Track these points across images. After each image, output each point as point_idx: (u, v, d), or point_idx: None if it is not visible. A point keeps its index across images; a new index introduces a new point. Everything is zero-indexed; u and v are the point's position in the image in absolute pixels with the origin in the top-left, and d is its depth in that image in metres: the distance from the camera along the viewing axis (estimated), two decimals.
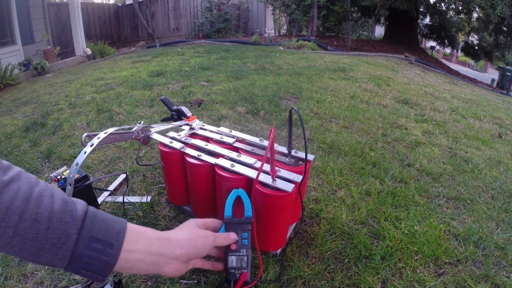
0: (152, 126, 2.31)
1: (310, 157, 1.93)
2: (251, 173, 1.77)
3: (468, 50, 19.37)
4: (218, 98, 4.96)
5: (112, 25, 15.96)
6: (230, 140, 2.18)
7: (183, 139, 2.19)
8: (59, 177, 2.28)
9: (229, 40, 13.62)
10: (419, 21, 18.05)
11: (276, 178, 1.72)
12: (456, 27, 17.45)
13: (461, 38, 19.57)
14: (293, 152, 2.02)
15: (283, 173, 1.82)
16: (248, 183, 1.81)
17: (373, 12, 16.62)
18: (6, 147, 4.03)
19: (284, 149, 2.05)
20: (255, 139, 2.21)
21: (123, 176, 2.99)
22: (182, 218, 2.42)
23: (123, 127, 1.98)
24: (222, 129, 2.39)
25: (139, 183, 2.93)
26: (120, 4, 16.45)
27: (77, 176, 2.33)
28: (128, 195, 2.71)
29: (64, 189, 2.20)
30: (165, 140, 2.16)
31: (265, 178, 1.71)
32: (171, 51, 10.91)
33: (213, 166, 1.92)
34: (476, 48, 18.66)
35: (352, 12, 16.12)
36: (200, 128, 2.39)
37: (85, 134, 1.77)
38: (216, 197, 2.05)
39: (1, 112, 5.84)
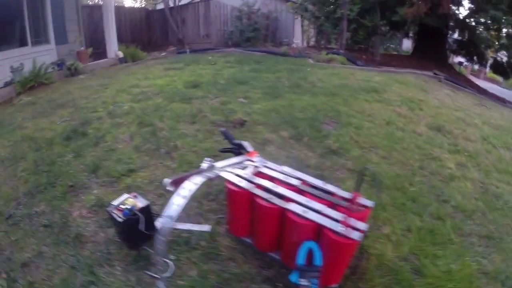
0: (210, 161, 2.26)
1: (370, 203, 2.06)
2: (323, 221, 1.87)
3: (497, 67, 18.76)
4: (259, 119, 4.93)
5: (143, 29, 16.08)
6: (295, 182, 2.22)
7: (250, 178, 2.22)
8: (122, 206, 2.25)
9: (258, 50, 13.46)
10: (447, 36, 17.73)
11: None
12: (485, 44, 16.97)
13: (490, 54, 19.12)
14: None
15: (351, 221, 1.92)
16: (318, 228, 1.92)
17: (402, 27, 16.37)
18: (49, 156, 4.05)
19: (346, 194, 2.14)
20: (318, 182, 2.27)
21: None
22: (243, 249, 2.48)
23: (198, 170, 1.96)
24: (285, 168, 2.42)
25: (195, 209, 2.93)
26: (151, 9, 16.56)
27: (139, 205, 2.29)
28: (185, 221, 2.70)
29: (129, 219, 2.20)
30: (234, 179, 2.20)
31: (334, 225, 1.84)
32: (202, 59, 10.90)
33: (283, 209, 2.00)
34: (505, 65, 18.22)
35: (381, 26, 15.89)
36: (264, 166, 2.41)
37: (167, 180, 1.72)
38: (283, 238, 2.15)
39: (37, 113, 5.86)
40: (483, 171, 4.04)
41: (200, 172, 2.01)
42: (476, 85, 15.52)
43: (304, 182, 2.29)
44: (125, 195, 2.42)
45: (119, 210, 2.27)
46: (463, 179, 3.76)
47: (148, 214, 2.36)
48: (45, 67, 8.65)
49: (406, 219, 2.88)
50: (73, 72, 9.39)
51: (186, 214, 2.84)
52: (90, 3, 14.50)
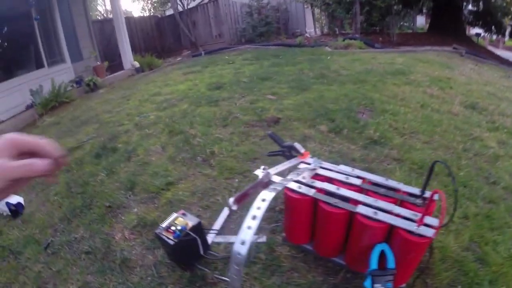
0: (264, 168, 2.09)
1: (435, 196, 1.88)
2: (396, 221, 1.77)
3: None
4: (293, 115, 4.76)
5: (155, 37, 16.07)
6: (356, 181, 2.09)
7: (309, 183, 2.06)
8: (173, 228, 2.05)
9: (273, 44, 13.32)
10: (462, 8, 17.28)
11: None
12: (502, 11, 16.50)
13: (507, 22, 18.51)
14: (418, 191, 2.01)
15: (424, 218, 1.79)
16: (389, 229, 1.83)
17: (416, 4, 16.01)
18: (81, 176, 3.90)
19: (412, 190, 2.02)
20: (380, 179, 2.12)
21: (227, 211, 2.76)
22: (304, 258, 2.34)
23: (258, 182, 1.77)
24: (342, 167, 2.26)
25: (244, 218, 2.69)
26: (160, 16, 16.50)
27: (190, 224, 2.09)
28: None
29: (180, 241, 2.06)
30: (292, 185, 2.04)
31: (407, 224, 1.74)
32: (219, 59, 10.84)
33: (351, 213, 1.89)
34: None
35: (394, 5, 15.51)
36: (320, 167, 2.24)
37: (231, 200, 1.51)
38: (351, 242, 2.04)
39: (62, 133, 5.76)
40: None
41: (259, 183, 1.79)
42: (497, 56, 15.30)
43: (365, 180, 2.14)
44: (174, 215, 2.23)
45: (169, 232, 2.06)
46: (508, 157, 3.68)
47: (201, 232, 2.17)
48: (64, 85, 8.67)
49: (461, 206, 2.78)
50: (92, 88, 9.38)
51: (238, 226, 2.65)
52: (100, 18, 14.48)
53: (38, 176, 0.69)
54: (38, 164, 0.68)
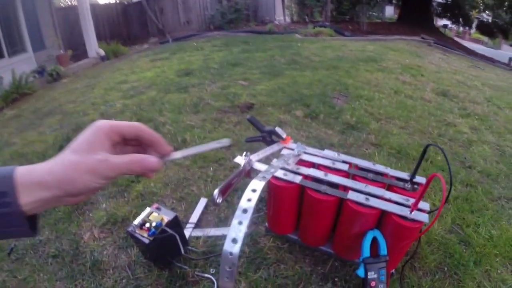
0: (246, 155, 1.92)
1: (422, 180, 1.91)
2: (388, 207, 1.70)
3: (483, 28, 19.13)
4: (266, 100, 4.64)
5: (121, 24, 15.45)
6: (343, 167, 1.98)
7: (295, 170, 1.92)
8: (147, 224, 1.85)
9: (243, 31, 13.19)
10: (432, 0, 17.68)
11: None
12: (470, 5, 17.00)
13: (473, 14, 19.07)
14: (406, 176, 1.96)
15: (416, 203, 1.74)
16: (381, 215, 1.77)
17: None
18: None
19: (401, 174, 1.97)
20: (367, 163, 2.04)
21: (203, 202, 2.57)
22: (290, 248, 2.24)
23: (240, 170, 1.61)
24: (327, 152, 2.14)
25: (224, 209, 2.60)
26: (126, 3, 15.95)
27: (166, 219, 1.91)
28: (218, 226, 2.43)
29: (156, 239, 1.88)
30: (278, 173, 1.87)
31: (400, 210, 1.68)
32: (187, 46, 10.54)
33: (340, 199, 1.79)
34: (491, 26, 18.27)
35: None
36: (304, 153, 2.09)
37: (216, 193, 1.32)
38: (340, 230, 1.96)
39: (23, 126, 5.39)
40: (496, 133, 4.11)
41: (242, 172, 1.63)
42: (464, 46, 15.81)
43: (351, 165, 2.04)
44: (147, 209, 2.02)
45: (144, 229, 1.87)
46: (480, 143, 3.81)
47: (178, 227, 1.99)
48: (26, 76, 8.23)
49: (441, 190, 2.83)
50: (55, 77, 8.98)
51: (217, 217, 2.55)
52: (63, 5, 13.87)
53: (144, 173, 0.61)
54: (150, 161, 0.61)
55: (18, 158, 4.03)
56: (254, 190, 1.30)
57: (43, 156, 3.92)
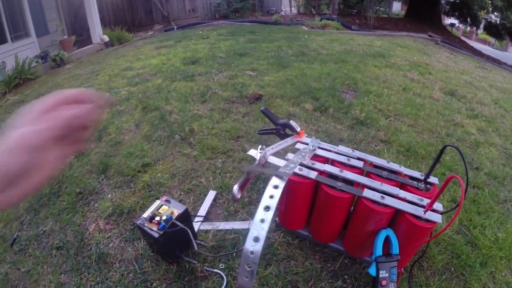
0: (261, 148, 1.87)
1: (435, 180, 1.89)
2: (404, 206, 1.68)
3: (491, 29, 18.96)
4: (275, 92, 4.56)
5: (126, 10, 15.23)
6: (358, 164, 1.94)
7: (310, 165, 1.88)
8: (157, 218, 1.79)
9: (248, 20, 13.11)
10: None
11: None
12: (478, 5, 16.84)
13: (481, 15, 18.91)
14: (419, 175, 1.91)
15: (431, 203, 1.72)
16: (394, 214, 1.74)
17: None
18: None
19: (415, 174, 1.93)
20: (381, 161, 2.00)
21: (212, 194, 2.51)
22: (300, 244, 2.22)
23: (255, 165, 1.56)
24: (342, 148, 2.09)
25: (233, 202, 2.55)
26: None
27: (176, 212, 1.84)
28: (227, 220, 2.40)
29: (166, 233, 1.83)
30: (296, 168, 1.79)
31: (415, 210, 1.65)
32: (193, 34, 10.41)
33: (354, 196, 1.78)
34: (499, 27, 18.13)
35: None
36: (319, 148, 2.06)
37: (236, 188, 1.26)
38: (352, 227, 1.94)
39: None
40: (503, 136, 4.09)
41: (256, 167, 1.57)
42: (471, 46, 15.73)
43: (366, 162, 2.01)
44: (156, 202, 1.96)
45: (153, 223, 1.81)
46: (487, 145, 3.78)
47: (188, 220, 1.93)
48: (29, 61, 8.16)
49: (449, 190, 2.84)
50: (59, 63, 8.90)
51: (226, 210, 2.50)
52: None
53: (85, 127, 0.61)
54: (83, 108, 0.60)
55: None
56: (276, 187, 1.25)
57: None
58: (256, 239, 1.02)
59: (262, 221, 1.05)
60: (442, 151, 1.71)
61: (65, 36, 10.32)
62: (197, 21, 13.58)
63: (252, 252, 1.01)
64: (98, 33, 10.97)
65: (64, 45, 9.82)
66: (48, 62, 8.98)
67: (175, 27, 12.78)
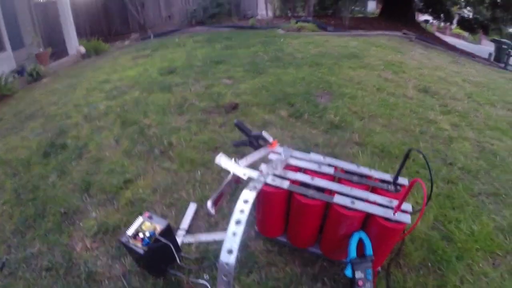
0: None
1: (404, 181, 2.00)
2: (373, 210, 1.78)
3: (464, 23, 19.36)
4: (251, 100, 4.65)
5: (101, 20, 15.15)
6: (329, 170, 2.05)
7: (282, 174, 1.97)
8: (141, 234, 1.88)
9: (225, 26, 13.09)
10: None
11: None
12: (451, 0, 17.19)
13: (454, 10, 19.30)
14: (389, 177, 2.04)
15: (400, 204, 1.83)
16: (366, 217, 1.84)
17: None
18: (29, 180, 3.54)
19: (385, 176, 2.05)
20: (351, 166, 2.12)
21: (193, 207, 2.60)
22: (279, 250, 2.31)
23: (229, 180, 1.66)
24: (313, 155, 2.20)
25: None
26: None
27: (159, 228, 1.94)
28: (209, 231, 2.49)
29: (150, 248, 1.91)
30: (268, 179, 1.91)
31: (384, 212, 1.76)
32: (169, 42, 10.39)
33: (326, 203, 1.86)
34: (472, 21, 18.51)
35: None
36: (291, 157, 2.16)
37: (210, 204, 1.38)
38: (327, 231, 2.04)
39: (5, 130, 5.24)
40: (476, 130, 4.18)
41: (232, 179, 1.68)
42: (445, 42, 16.00)
43: (337, 168, 2.11)
44: (139, 219, 2.04)
45: (137, 239, 1.90)
46: (461, 139, 3.88)
47: (171, 235, 2.02)
48: (5, 77, 7.98)
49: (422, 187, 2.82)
50: (36, 77, 8.76)
51: (207, 222, 2.59)
52: (41, 0, 13.55)
53: None
54: None
55: (1, 165, 3.95)
56: (246, 201, 1.35)
57: (27, 163, 3.86)
58: (230, 251, 1.12)
59: (234, 234, 1.15)
60: (407, 155, 1.84)
61: (41, 49, 10.18)
62: (174, 28, 13.60)
63: (227, 264, 1.11)
64: (74, 44, 10.91)
65: (40, 58, 9.69)
66: (25, 76, 8.82)
67: (151, 35, 12.75)
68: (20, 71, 8.99)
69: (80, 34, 11.85)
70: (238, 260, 2.21)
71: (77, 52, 10.83)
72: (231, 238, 1.15)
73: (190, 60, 7.34)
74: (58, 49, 11.25)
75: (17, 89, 8.08)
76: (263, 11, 17.40)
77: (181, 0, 15.04)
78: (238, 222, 1.22)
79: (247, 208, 1.32)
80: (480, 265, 2.23)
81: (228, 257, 1.14)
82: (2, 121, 5.84)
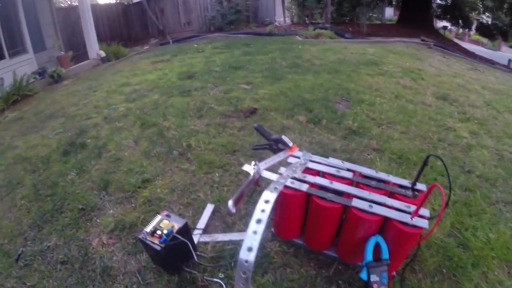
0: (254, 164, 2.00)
1: (422, 187, 1.99)
2: (391, 214, 1.79)
3: (483, 30, 19.16)
4: (270, 105, 4.68)
5: (122, 25, 15.52)
6: (348, 175, 2.07)
7: (301, 178, 1.99)
8: (159, 232, 1.90)
9: (243, 32, 13.23)
10: (432, 1, 17.71)
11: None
12: (469, 7, 17.05)
13: (472, 16, 19.12)
14: (407, 183, 2.05)
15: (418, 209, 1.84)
16: (383, 221, 1.85)
17: None
18: (49, 177, 3.62)
19: (403, 182, 2.06)
20: (370, 171, 2.13)
21: (210, 208, 2.62)
22: (295, 252, 2.32)
23: (250, 180, 1.67)
24: (332, 160, 2.23)
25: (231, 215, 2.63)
26: (127, 3, 16.00)
27: (177, 226, 1.96)
28: (225, 232, 2.52)
29: (168, 245, 1.95)
30: (287, 181, 1.93)
31: (402, 216, 1.77)
32: (188, 47, 10.50)
33: (345, 206, 1.88)
34: (491, 27, 18.31)
35: None
36: (310, 161, 2.18)
37: (231, 204, 1.39)
38: (344, 235, 2.04)
39: (26, 129, 5.39)
40: (495, 138, 4.13)
41: (252, 181, 1.69)
42: (464, 48, 15.73)
43: (355, 173, 2.12)
44: (158, 217, 2.08)
45: (155, 236, 1.92)
46: (479, 147, 3.84)
47: (188, 234, 2.04)
48: (27, 78, 8.22)
49: (441, 194, 2.83)
50: (57, 79, 8.96)
51: (224, 223, 2.62)
52: (64, 5, 13.82)
53: None
54: None
55: (21, 162, 4.05)
56: (267, 201, 1.36)
57: (47, 161, 3.95)
58: (250, 249, 1.13)
59: (255, 232, 1.16)
60: (426, 161, 1.83)
61: (62, 52, 10.40)
62: (193, 34, 13.73)
63: (246, 261, 1.12)
64: (94, 48, 11.08)
65: (61, 61, 9.89)
66: (46, 78, 9.04)
67: (170, 40, 12.91)
68: (41, 73, 9.19)
69: (100, 38, 12.04)
70: (254, 260, 2.23)
71: (97, 56, 11.01)
72: (252, 236, 1.16)
73: (209, 65, 7.42)
74: (78, 52, 11.51)
75: (38, 90, 8.28)
76: (281, 18, 17.45)
77: (200, 6, 15.16)
78: (259, 221, 1.23)
79: (268, 208, 1.34)
80: (496, 273, 2.21)
81: (248, 254, 1.15)
82: (22, 120, 5.98)
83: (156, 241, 1.91)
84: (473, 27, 19.93)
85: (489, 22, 18.57)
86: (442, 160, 1.76)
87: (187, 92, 5.52)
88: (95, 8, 13.43)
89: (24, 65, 9.02)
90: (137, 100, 5.54)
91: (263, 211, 1.27)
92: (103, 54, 11.11)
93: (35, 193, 3.37)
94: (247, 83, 5.77)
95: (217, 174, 3.19)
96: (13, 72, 8.04)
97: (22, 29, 9.40)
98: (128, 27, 15.94)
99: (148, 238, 1.94)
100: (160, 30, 14.99)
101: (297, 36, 11.66)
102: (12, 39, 9.13)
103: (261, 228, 1.20)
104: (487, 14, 18.19)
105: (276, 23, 15.87)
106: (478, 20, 19.62)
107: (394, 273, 2.09)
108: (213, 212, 2.68)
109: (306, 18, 16.30)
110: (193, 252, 2.02)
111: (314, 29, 12.34)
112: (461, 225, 2.60)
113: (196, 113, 4.60)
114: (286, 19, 17.92)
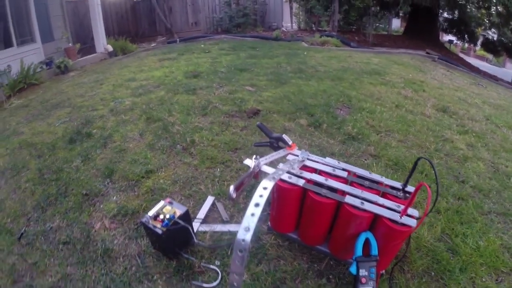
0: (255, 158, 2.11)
1: (412, 189, 2.07)
2: (381, 211, 1.88)
3: (488, 45, 19.11)
4: (273, 108, 4.80)
5: (130, 21, 15.60)
6: (342, 174, 2.17)
7: (299, 174, 2.10)
8: (161, 216, 2.00)
9: (250, 35, 12.89)
10: (438, 15, 17.77)
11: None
12: (476, 22, 17.11)
13: (478, 31, 19.17)
14: (399, 185, 2.14)
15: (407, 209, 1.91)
16: (374, 218, 1.94)
17: (393, 7, 16.36)
18: (54, 162, 3.73)
19: (395, 184, 2.16)
20: (364, 172, 2.24)
21: (210, 200, 2.72)
22: (289, 246, 2.42)
23: (251, 171, 1.78)
24: (328, 160, 2.33)
25: (230, 207, 2.79)
26: (135, 0, 16.13)
27: (178, 212, 2.06)
28: (224, 222, 2.63)
29: (169, 229, 2.05)
30: (284, 176, 2.04)
31: (391, 214, 1.86)
32: (195, 47, 10.53)
33: (338, 202, 1.96)
34: (496, 43, 18.35)
35: (372, 6, 15.79)
36: (308, 159, 2.30)
37: (232, 188, 1.50)
38: (336, 231, 2.12)
39: (31, 116, 5.48)
40: (492, 151, 4.21)
41: (252, 172, 1.81)
42: (468, 63, 15.74)
43: (350, 172, 2.23)
44: (161, 203, 2.19)
45: (158, 220, 2.02)
46: (475, 159, 3.92)
47: (189, 220, 2.14)
48: (34, 67, 8.29)
49: (433, 201, 2.93)
50: (63, 70, 9.04)
51: (222, 215, 2.71)
52: None
53: None
54: None
55: (27, 147, 4.15)
56: (265, 188, 1.47)
57: (53, 147, 4.05)
58: (247, 229, 1.24)
59: (253, 215, 1.27)
60: (416, 163, 1.94)
61: (70, 44, 10.49)
62: (200, 35, 13.81)
63: (243, 240, 1.23)
64: (102, 42, 11.15)
65: (68, 52, 9.98)
66: (53, 68, 9.12)
67: (177, 39, 12.99)
68: (48, 63, 9.28)
69: (108, 33, 12.09)
70: (250, 251, 2.34)
71: (105, 50, 11.08)
72: (249, 218, 1.27)
73: (215, 66, 7.53)
74: (86, 45, 11.59)
75: (45, 80, 8.36)
76: (288, 24, 17.57)
77: (208, 7, 15.25)
78: (257, 205, 1.34)
79: (265, 193, 1.44)
80: (483, 279, 2.27)
81: (245, 234, 1.26)
82: (28, 108, 6.06)
83: (158, 225, 2.02)
84: (479, 42, 19.94)
85: (495, 38, 18.59)
86: (430, 162, 1.84)
87: (192, 90, 5.63)
88: (104, 3, 13.49)
89: (31, 54, 9.09)
90: (143, 95, 5.64)
91: (261, 196, 1.38)
92: (110, 48, 11.17)
93: (40, 177, 3.47)
94: (252, 85, 5.88)
95: (218, 169, 3.30)
96: (20, 60, 8.12)
97: (32, 18, 9.46)
98: (136, 23, 16.02)
99: (151, 222, 2.04)
100: (168, 29, 15.06)
101: (303, 42, 11.77)
102: (21, 28, 9.21)
103: (258, 210, 1.30)
104: (493, 30, 18.23)
105: (283, 28, 15.97)
106: (484, 35, 19.64)
107: (383, 271, 2.16)
108: (213, 204, 2.80)
109: (313, 25, 16.38)
110: (193, 235, 2.12)
111: (320, 36, 12.45)
112: (451, 231, 2.68)
113: (200, 111, 4.71)
114: (293, 24, 18.03)
